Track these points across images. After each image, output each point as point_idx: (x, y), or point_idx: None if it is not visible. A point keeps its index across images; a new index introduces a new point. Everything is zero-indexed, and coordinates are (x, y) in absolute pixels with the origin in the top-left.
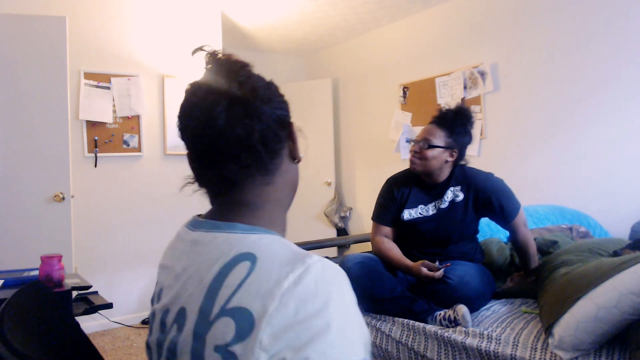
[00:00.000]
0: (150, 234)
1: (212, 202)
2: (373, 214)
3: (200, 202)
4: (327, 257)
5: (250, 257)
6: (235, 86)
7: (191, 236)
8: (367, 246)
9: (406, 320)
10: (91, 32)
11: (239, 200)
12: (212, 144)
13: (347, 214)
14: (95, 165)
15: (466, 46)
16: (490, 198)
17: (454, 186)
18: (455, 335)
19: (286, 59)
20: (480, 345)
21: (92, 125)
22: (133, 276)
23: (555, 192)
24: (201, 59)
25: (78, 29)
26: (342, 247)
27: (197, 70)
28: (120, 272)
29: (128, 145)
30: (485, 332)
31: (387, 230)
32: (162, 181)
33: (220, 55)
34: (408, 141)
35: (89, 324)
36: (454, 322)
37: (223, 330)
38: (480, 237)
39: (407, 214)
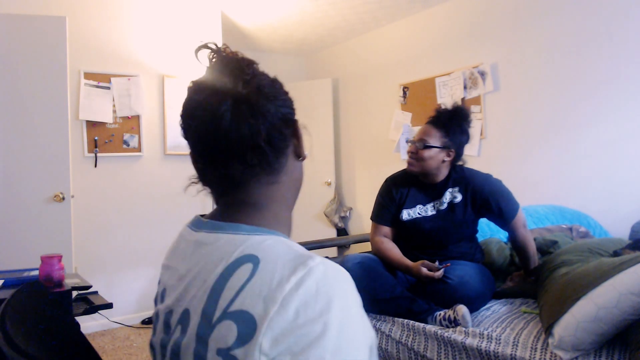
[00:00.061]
0: (150, 234)
1: (217, 201)
2: (372, 214)
3: (200, 202)
4: (327, 257)
5: (253, 259)
6: (240, 85)
7: (194, 237)
8: (367, 246)
9: (406, 320)
10: (91, 32)
11: (244, 200)
12: (216, 144)
13: (347, 214)
14: (95, 165)
15: (466, 46)
16: (488, 199)
17: (452, 187)
18: (455, 335)
19: (286, 59)
20: (480, 346)
21: (92, 125)
22: (133, 276)
23: (555, 192)
24: (201, 58)
25: (78, 29)
26: (342, 247)
27: (197, 70)
28: (120, 272)
29: (128, 145)
30: (485, 332)
31: (387, 230)
32: (162, 181)
33: (225, 53)
34: (408, 141)
35: (89, 324)
36: (454, 322)
37: (225, 333)
38: (480, 237)
39: (406, 214)
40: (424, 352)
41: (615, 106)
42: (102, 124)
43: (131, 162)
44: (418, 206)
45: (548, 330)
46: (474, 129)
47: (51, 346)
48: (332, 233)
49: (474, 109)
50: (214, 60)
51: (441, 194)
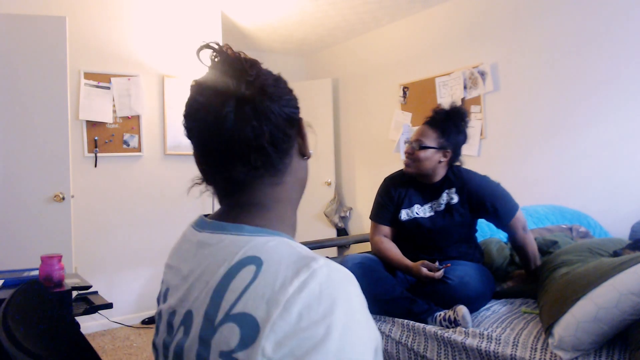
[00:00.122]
0: (150, 234)
1: (221, 202)
2: (371, 213)
3: (200, 202)
4: (326, 257)
5: (256, 261)
6: (244, 86)
7: (197, 237)
8: (367, 246)
9: (406, 320)
10: (91, 32)
11: (247, 201)
12: (220, 146)
13: (347, 214)
14: (95, 165)
15: (466, 46)
16: (483, 201)
17: (448, 188)
18: (455, 335)
19: (286, 59)
20: (480, 346)
21: (92, 125)
22: (133, 276)
23: (555, 192)
24: (202, 58)
25: (78, 29)
26: (342, 247)
27: (198, 70)
28: (120, 272)
29: (128, 145)
30: (485, 333)
31: (386, 229)
32: (162, 181)
33: (229, 53)
34: (405, 142)
35: (89, 324)
36: (454, 323)
37: (228, 336)
38: (480, 237)
39: (405, 214)
40: (424, 352)
41: (615, 106)
42: (102, 124)
43: (131, 162)
44: (416, 206)
45: (548, 330)
46: (474, 129)
47: (51, 346)
48: (332, 233)
49: (474, 109)
50: (216, 60)
51: (438, 195)
